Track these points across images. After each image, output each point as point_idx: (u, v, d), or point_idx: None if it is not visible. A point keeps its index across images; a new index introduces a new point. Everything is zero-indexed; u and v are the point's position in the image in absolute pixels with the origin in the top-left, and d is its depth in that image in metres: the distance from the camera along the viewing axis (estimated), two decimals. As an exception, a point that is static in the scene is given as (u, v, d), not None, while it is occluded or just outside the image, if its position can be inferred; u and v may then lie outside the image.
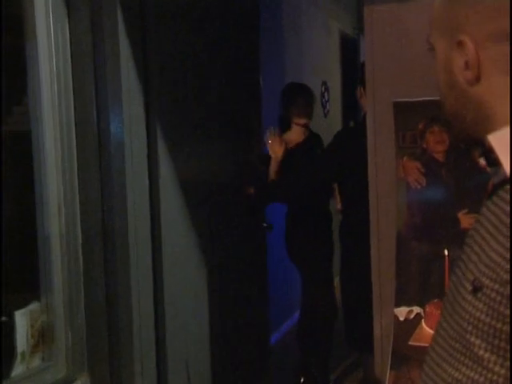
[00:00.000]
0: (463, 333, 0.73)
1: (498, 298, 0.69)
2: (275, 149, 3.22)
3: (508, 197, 0.71)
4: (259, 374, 3.10)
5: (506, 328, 0.69)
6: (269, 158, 3.26)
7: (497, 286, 0.70)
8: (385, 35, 1.94)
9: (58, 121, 1.96)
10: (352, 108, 6.01)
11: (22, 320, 1.92)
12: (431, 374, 0.79)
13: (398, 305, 1.90)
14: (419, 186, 1.90)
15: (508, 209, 0.71)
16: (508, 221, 0.70)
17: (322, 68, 5.84)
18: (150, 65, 2.17)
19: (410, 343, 1.87)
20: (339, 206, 3.50)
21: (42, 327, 1.98)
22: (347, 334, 3.08)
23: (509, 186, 0.72)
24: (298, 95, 3.57)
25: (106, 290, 2.05)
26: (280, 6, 4.88)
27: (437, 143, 1.87)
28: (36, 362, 1.97)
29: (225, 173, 2.82)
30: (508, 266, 0.69)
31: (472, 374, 0.72)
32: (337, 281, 3.39)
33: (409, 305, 1.89)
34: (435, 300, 1.84)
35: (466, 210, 1.82)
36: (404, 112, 1.90)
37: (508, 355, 0.69)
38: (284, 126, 3.53)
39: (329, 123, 5.73)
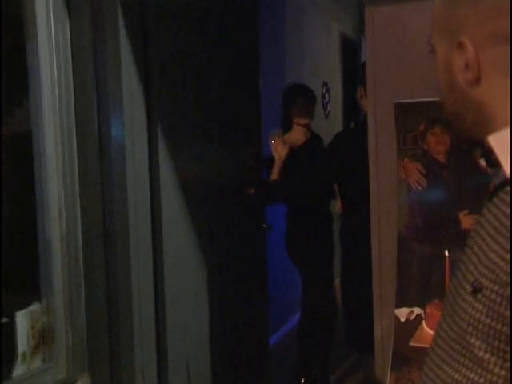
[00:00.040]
0: (463, 334, 0.73)
1: (498, 300, 0.69)
2: (278, 149, 3.24)
3: (508, 198, 0.71)
4: (259, 374, 3.10)
5: (506, 329, 0.69)
6: (272, 158, 3.28)
7: (496, 288, 0.70)
8: (386, 36, 1.94)
9: (59, 124, 1.96)
10: (353, 109, 6.01)
11: (22, 321, 1.92)
12: (431, 375, 0.79)
13: (398, 306, 1.90)
14: (420, 188, 1.90)
15: (508, 210, 0.71)
16: (508, 222, 0.70)
17: (322, 69, 5.85)
18: (151, 65, 2.17)
19: (410, 344, 1.86)
20: (337, 209, 3.51)
21: (42, 328, 1.98)
22: (348, 334, 3.08)
23: (509, 188, 0.72)
24: (298, 95, 3.58)
25: (106, 290, 2.05)
26: (281, 8, 4.88)
27: (438, 144, 1.87)
28: (37, 362, 1.97)
29: (225, 173, 2.82)
30: (508, 268, 0.69)
31: (472, 376, 0.72)
32: (337, 282, 3.39)
33: (409, 306, 1.89)
34: (436, 301, 1.84)
35: (466, 211, 1.82)
36: (405, 113, 1.90)
37: (508, 356, 0.69)
38: (285, 127, 3.54)
39: (330, 124, 5.73)
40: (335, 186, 3.34)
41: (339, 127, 5.88)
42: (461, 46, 0.78)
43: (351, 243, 2.97)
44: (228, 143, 2.82)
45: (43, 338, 1.98)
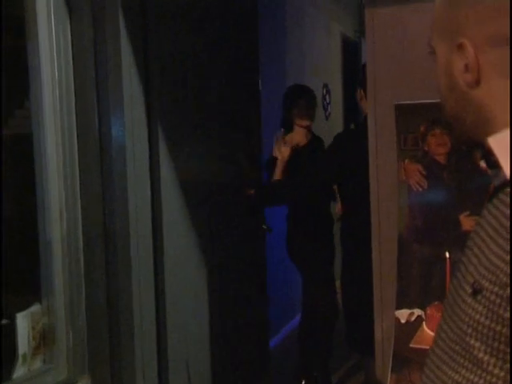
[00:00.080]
0: (463, 335, 0.74)
1: (498, 301, 0.69)
2: (281, 150, 3.25)
3: (508, 200, 0.71)
4: (259, 374, 3.10)
5: (506, 331, 0.69)
6: (274, 159, 3.29)
7: (496, 289, 0.70)
8: (386, 38, 1.94)
9: (60, 124, 1.96)
10: (353, 111, 6.01)
11: (23, 322, 1.92)
12: (431, 377, 0.79)
13: (399, 307, 1.90)
14: (421, 189, 1.90)
15: (508, 212, 0.71)
16: (508, 224, 0.70)
17: (323, 70, 5.84)
18: (151, 66, 2.17)
19: (411, 346, 1.86)
20: (337, 210, 3.52)
21: (43, 329, 1.98)
22: (348, 336, 3.08)
23: (509, 189, 0.72)
24: (299, 97, 3.58)
25: (107, 291, 2.05)
26: (281, 8, 4.88)
27: (438, 146, 1.87)
28: (37, 364, 1.97)
29: (225, 173, 2.82)
30: (507, 269, 0.69)
31: (472, 377, 0.72)
32: (338, 283, 3.39)
33: (410, 307, 1.89)
34: (436, 302, 1.84)
35: (467, 212, 1.82)
36: (405, 114, 1.90)
37: (507, 358, 0.69)
38: (286, 128, 3.54)
39: (330, 126, 5.73)
40: (335, 187, 3.34)
41: (340, 129, 5.88)
42: (461, 47, 0.79)
43: (351, 244, 2.97)
44: (228, 143, 2.82)
45: (44, 339, 1.98)
